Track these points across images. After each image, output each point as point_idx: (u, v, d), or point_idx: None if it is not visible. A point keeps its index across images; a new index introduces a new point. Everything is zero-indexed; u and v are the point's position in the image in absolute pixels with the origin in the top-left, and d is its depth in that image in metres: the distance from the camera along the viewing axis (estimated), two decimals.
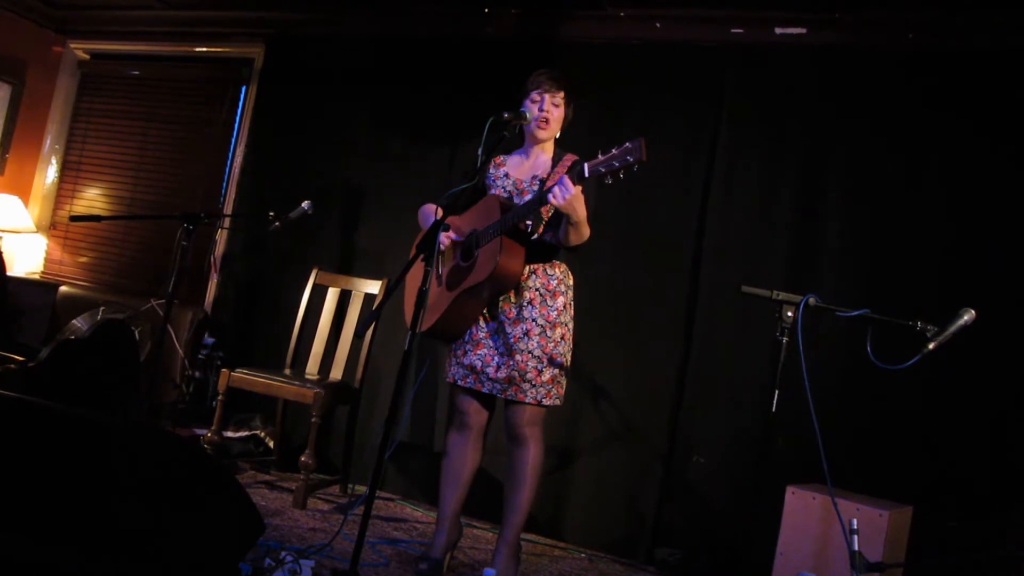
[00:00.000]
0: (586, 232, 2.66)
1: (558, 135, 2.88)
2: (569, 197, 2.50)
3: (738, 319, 3.54)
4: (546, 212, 2.76)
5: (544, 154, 2.88)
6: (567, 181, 2.50)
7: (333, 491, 3.89)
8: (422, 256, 2.50)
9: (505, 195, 2.85)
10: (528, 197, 2.77)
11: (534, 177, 2.83)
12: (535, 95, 2.81)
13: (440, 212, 2.65)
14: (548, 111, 2.79)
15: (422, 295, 2.42)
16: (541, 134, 2.82)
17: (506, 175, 2.89)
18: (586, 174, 2.48)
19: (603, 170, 2.44)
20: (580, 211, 2.56)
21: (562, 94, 2.81)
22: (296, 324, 4.09)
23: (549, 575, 3.20)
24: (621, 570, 3.44)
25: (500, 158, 2.95)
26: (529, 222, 2.73)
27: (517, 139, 2.94)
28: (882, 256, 3.41)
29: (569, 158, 2.81)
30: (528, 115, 2.78)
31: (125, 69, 5.45)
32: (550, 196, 2.52)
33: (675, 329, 3.68)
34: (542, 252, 2.78)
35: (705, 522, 3.49)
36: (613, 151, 2.43)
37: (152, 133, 5.27)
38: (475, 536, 3.52)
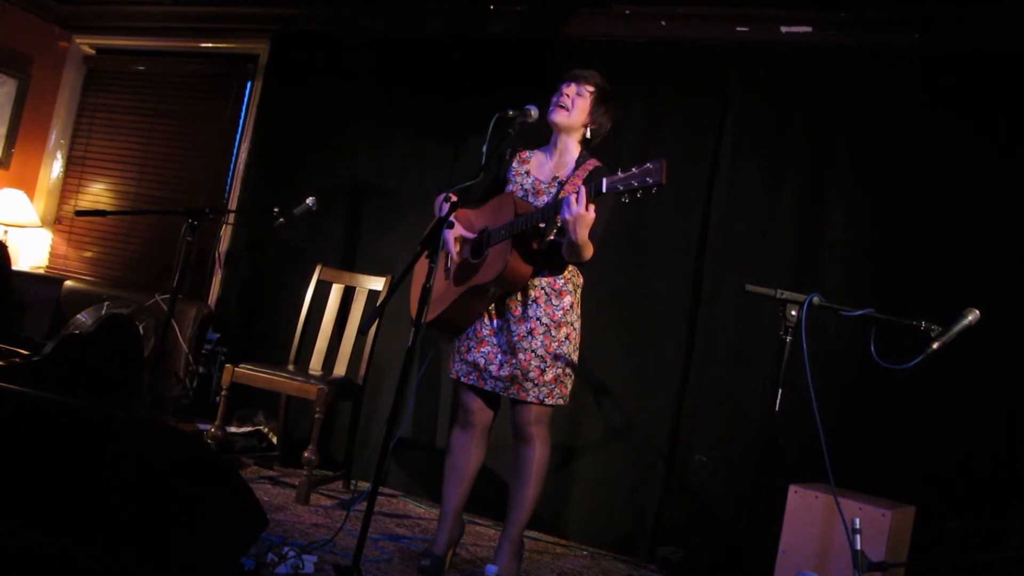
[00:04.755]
0: (586, 254, 2.61)
1: (588, 136, 2.82)
2: (577, 214, 2.45)
3: (741, 318, 3.54)
4: (559, 217, 2.73)
5: (568, 155, 2.83)
6: (583, 199, 2.44)
7: (336, 487, 3.90)
8: (427, 252, 2.49)
9: (521, 193, 2.81)
10: (544, 198, 2.75)
11: (554, 179, 2.80)
12: (562, 86, 2.79)
13: (447, 207, 2.62)
14: (568, 96, 2.76)
15: (425, 291, 2.42)
16: (554, 116, 2.77)
17: (527, 173, 2.85)
18: (604, 189, 2.42)
19: (621, 188, 2.39)
20: (581, 233, 2.50)
21: (589, 88, 2.77)
22: (300, 320, 4.09)
23: (551, 572, 3.20)
24: (623, 568, 3.44)
25: (526, 153, 2.91)
26: (543, 224, 2.69)
27: (538, 133, 2.87)
28: (886, 256, 3.41)
29: (591, 163, 2.77)
30: (533, 112, 2.72)
31: (130, 64, 5.46)
32: (563, 206, 2.48)
33: (678, 327, 3.68)
34: (552, 256, 2.74)
35: (707, 521, 3.49)
36: (633, 170, 2.37)
37: (157, 128, 5.28)
38: (477, 533, 3.53)
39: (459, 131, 4.18)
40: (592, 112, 2.80)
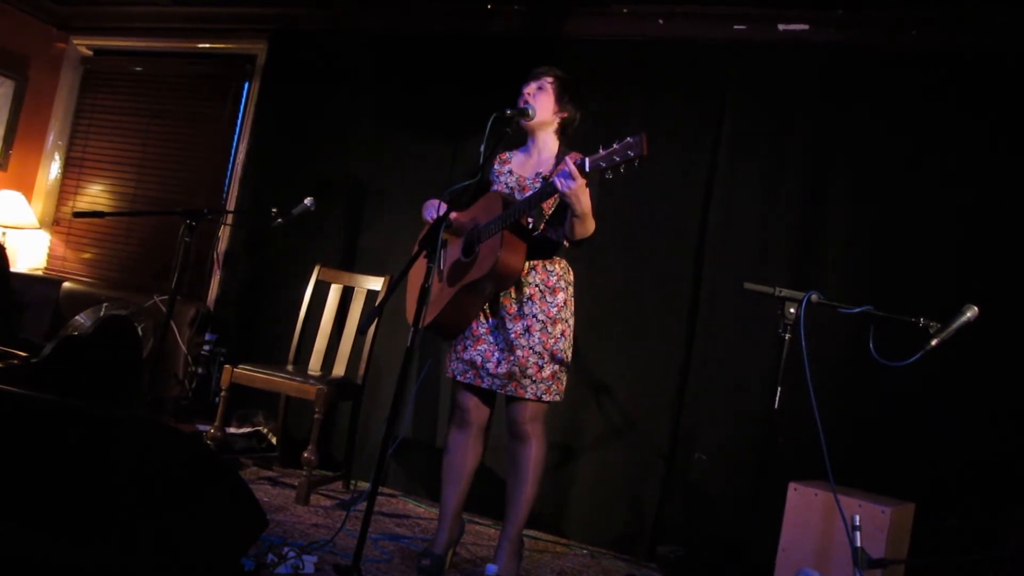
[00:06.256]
0: (591, 226, 2.65)
1: (561, 126, 2.86)
2: (574, 186, 2.49)
3: (741, 316, 3.54)
4: (548, 208, 2.76)
5: (548, 151, 2.86)
6: (572, 168, 2.47)
7: (336, 487, 3.90)
8: (424, 252, 2.50)
9: (508, 191, 2.84)
10: (530, 194, 2.77)
11: (537, 174, 2.83)
12: (523, 88, 2.86)
13: (443, 208, 2.64)
14: (529, 94, 2.82)
15: (424, 291, 2.42)
16: (522, 120, 2.82)
17: (510, 172, 2.89)
18: (587, 168, 2.46)
19: (603, 165, 2.43)
20: (585, 202, 2.56)
21: (548, 79, 2.83)
22: (298, 320, 4.09)
23: (551, 571, 3.20)
24: (623, 567, 3.44)
25: (505, 154, 2.95)
26: (531, 219, 2.72)
27: (521, 135, 2.93)
28: (885, 253, 3.41)
29: (574, 156, 2.80)
30: (531, 111, 2.78)
31: (128, 65, 5.46)
32: (555, 180, 2.51)
33: (678, 326, 3.68)
34: (543, 248, 2.78)
35: (707, 519, 3.50)
36: (614, 146, 2.41)
37: (155, 129, 5.28)
38: (477, 532, 3.53)
39: (457, 131, 4.18)
40: (558, 101, 2.84)
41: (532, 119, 2.81)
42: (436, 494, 3.31)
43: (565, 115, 2.86)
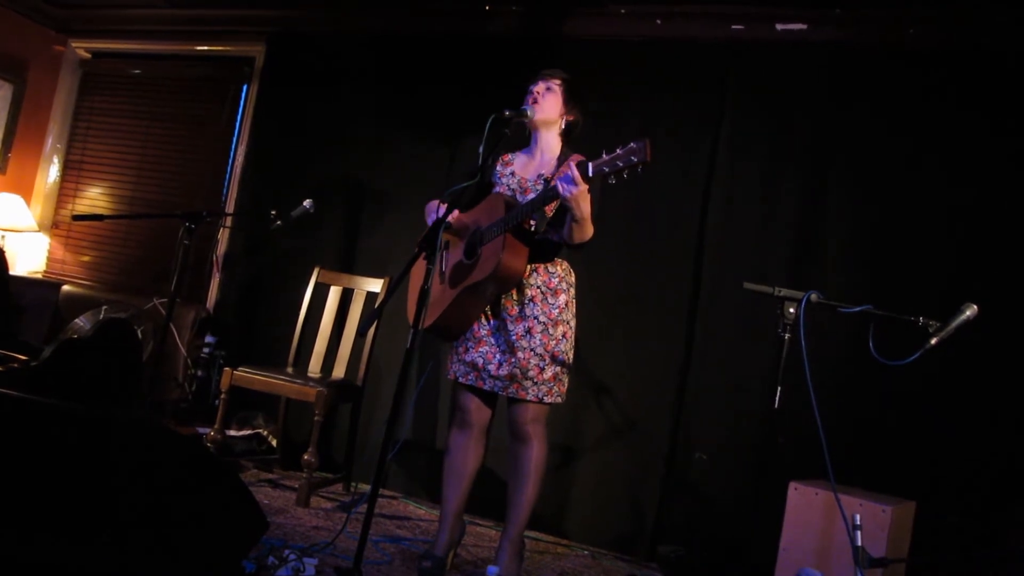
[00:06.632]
0: (590, 230, 2.65)
1: (565, 128, 2.87)
2: (575, 191, 2.48)
3: (740, 316, 3.54)
4: (549, 210, 2.76)
5: (550, 152, 2.86)
6: (574, 173, 2.47)
7: (336, 489, 3.90)
8: (424, 254, 2.49)
9: (509, 193, 2.84)
10: (531, 196, 2.76)
11: (539, 176, 2.82)
12: (531, 87, 2.86)
13: (443, 209, 2.64)
14: (537, 93, 2.83)
15: (424, 293, 2.42)
16: (533, 116, 2.82)
17: (512, 173, 2.88)
18: (590, 173, 2.46)
19: (607, 170, 2.42)
20: (584, 207, 2.55)
21: (556, 81, 2.85)
22: (298, 322, 4.09)
23: (552, 572, 3.20)
24: (624, 567, 3.44)
25: (508, 156, 2.95)
26: (533, 221, 2.72)
27: (524, 137, 2.93)
28: (885, 252, 3.41)
29: (575, 158, 2.80)
30: (529, 112, 2.78)
31: (126, 68, 5.46)
32: (557, 184, 2.51)
33: (677, 326, 3.68)
34: (544, 250, 2.78)
35: (707, 519, 3.49)
36: (618, 151, 2.41)
37: (154, 132, 5.27)
38: (478, 534, 3.52)
39: (456, 132, 4.18)
40: (565, 103, 2.86)
41: (532, 119, 2.82)
42: (437, 496, 3.31)
43: (571, 118, 2.87)
